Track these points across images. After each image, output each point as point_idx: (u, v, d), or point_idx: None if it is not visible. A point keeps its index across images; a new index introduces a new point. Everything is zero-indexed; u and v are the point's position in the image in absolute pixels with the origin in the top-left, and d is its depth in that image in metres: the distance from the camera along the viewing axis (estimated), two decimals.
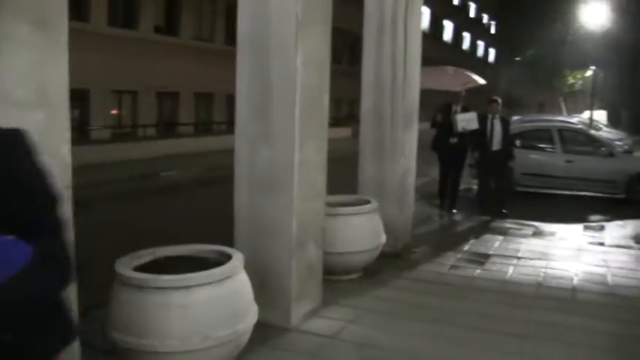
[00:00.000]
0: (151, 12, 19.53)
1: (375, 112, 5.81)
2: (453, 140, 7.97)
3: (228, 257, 3.20)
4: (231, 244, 3.77)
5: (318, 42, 4.01)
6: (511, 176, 9.12)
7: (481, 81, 9.23)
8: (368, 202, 5.22)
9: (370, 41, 5.88)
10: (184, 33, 20.84)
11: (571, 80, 35.17)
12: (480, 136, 7.97)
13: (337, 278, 4.86)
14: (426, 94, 6.58)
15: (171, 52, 19.05)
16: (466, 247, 6.32)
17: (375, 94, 5.77)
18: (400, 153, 5.79)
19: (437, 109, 8.37)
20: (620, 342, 3.92)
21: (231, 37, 5.21)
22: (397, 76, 5.67)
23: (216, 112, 22.51)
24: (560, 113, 28.81)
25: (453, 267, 5.64)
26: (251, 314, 3.19)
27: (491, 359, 3.66)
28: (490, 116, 8.01)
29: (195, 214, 7.90)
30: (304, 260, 4.05)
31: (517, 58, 36.90)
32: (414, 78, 5.91)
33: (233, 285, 3.08)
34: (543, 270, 5.53)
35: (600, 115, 25.96)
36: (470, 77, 9.04)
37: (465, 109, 8.03)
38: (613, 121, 24.58)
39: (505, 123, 8.21)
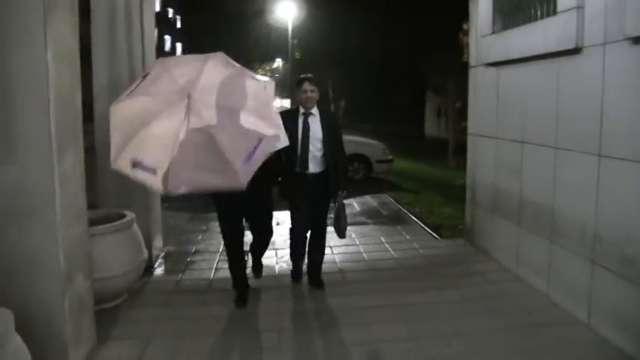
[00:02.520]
0: None
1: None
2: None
3: None
4: None
5: (69, 33, 3.31)
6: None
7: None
8: (122, 215, 4.61)
9: (100, 36, 5.16)
10: None
11: (261, 72, 38.31)
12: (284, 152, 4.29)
13: (100, 308, 4.14)
14: None
15: None
16: (222, 248, 6.18)
17: (112, 95, 5.08)
18: None
19: None
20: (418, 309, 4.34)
21: None
22: (136, 74, 5.09)
23: None
24: None
25: (217, 270, 5.45)
26: None
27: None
28: (302, 111, 4.63)
29: None
30: (76, 296, 3.36)
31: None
32: None
33: None
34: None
35: (287, 103, 28.80)
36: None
37: None
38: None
39: (330, 120, 4.76)
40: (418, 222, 7.55)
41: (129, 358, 3.58)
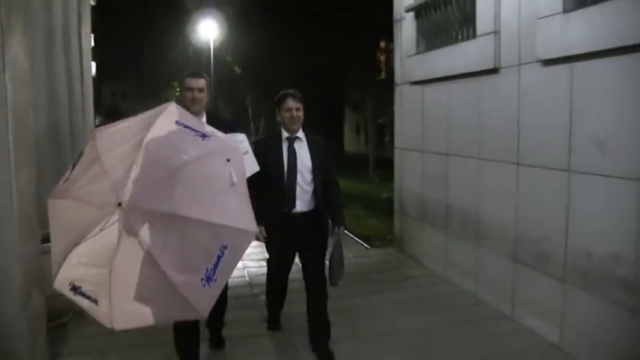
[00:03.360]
0: None
1: (52, 132, 5.02)
2: None
3: None
4: None
5: (23, 55, 3.34)
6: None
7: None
8: None
9: (38, 53, 5.05)
10: None
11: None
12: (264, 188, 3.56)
13: (48, 326, 4.06)
14: None
15: None
16: None
17: (50, 112, 5.00)
18: None
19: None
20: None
21: None
22: (75, 92, 5.06)
23: None
24: None
25: None
26: None
27: None
28: (286, 135, 3.77)
29: None
30: (33, 312, 3.34)
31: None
32: (89, 93, 5.40)
33: None
34: None
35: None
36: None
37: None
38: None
39: (320, 144, 3.88)
40: (348, 233, 7.86)
41: None
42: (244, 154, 3.01)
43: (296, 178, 3.68)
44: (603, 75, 3.43)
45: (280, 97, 3.79)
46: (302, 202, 3.72)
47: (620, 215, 3.31)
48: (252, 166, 3.13)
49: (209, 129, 2.60)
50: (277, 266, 4.00)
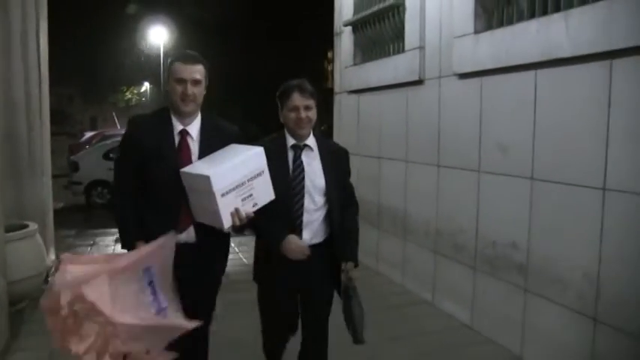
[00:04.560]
0: None
1: (9, 135, 5.20)
2: None
3: None
4: None
5: None
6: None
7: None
8: (25, 225, 4.81)
9: None
10: None
11: (128, 95, 37.20)
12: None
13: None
14: None
15: None
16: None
17: (7, 115, 5.18)
18: (41, 175, 5.43)
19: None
20: None
21: None
22: (32, 95, 5.27)
23: None
24: (115, 127, 30.10)
25: None
26: None
27: None
28: (292, 142, 2.80)
29: None
30: None
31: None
32: (46, 97, 5.64)
33: None
34: None
35: None
36: None
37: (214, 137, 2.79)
38: None
39: (336, 153, 2.97)
40: None
41: (43, 346, 3.76)
42: (258, 175, 2.54)
43: (303, 201, 2.72)
44: (504, 88, 3.99)
45: (284, 92, 2.77)
46: (311, 232, 2.75)
47: (516, 208, 3.86)
48: (265, 194, 2.58)
49: (170, 298, 2.41)
50: (275, 319, 2.94)
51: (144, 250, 2.40)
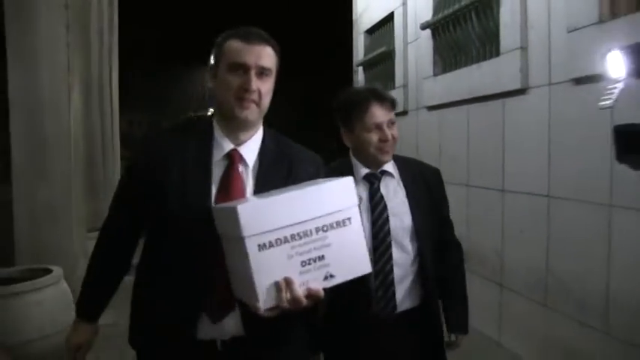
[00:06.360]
0: None
1: (88, 161, 6.35)
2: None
3: None
4: None
5: (77, 98, 5.14)
6: None
7: None
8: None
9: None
10: None
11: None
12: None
13: None
14: None
15: None
16: None
17: (88, 144, 6.34)
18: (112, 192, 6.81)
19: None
20: None
21: None
22: (106, 125, 6.77)
23: None
24: None
25: None
26: None
27: None
28: (365, 172, 2.06)
29: None
30: None
31: None
32: (117, 130, 7.08)
33: None
34: None
35: None
36: None
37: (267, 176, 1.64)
38: None
39: (423, 177, 2.15)
40: None
41: None
42: (341, 223, 1.41)
43: (390, 251, 1.99)
44: (453, 117, 5.23)
45: (354, 103, 2.02)
46: (403, 293, 2.03)
47: (457, 209, 5.04)
48: (352, 260, 1.44)
49: None
50: None
51: None
